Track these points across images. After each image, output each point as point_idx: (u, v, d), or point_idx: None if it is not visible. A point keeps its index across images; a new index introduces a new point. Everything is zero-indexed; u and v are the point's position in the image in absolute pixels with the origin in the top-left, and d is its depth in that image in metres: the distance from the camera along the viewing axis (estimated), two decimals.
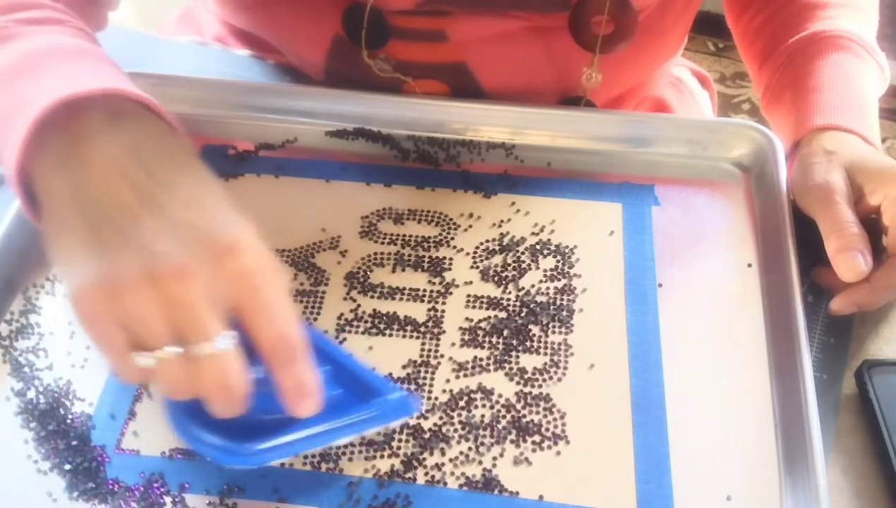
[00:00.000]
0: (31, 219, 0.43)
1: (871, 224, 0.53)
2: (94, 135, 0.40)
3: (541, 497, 0.46)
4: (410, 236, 0.57)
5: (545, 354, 0.51)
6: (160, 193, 0.39)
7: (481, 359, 0.51)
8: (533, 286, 0.55)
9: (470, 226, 0.58)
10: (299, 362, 0.40)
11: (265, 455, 0.42)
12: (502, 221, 0.58)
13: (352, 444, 0.47)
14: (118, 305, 0.37)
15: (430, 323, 0.53)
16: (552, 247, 0.57)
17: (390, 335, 0.52)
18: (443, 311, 0.53)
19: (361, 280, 0.55)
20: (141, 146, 0.40)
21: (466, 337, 0.52)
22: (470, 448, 0.47)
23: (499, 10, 0.61)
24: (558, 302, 0.54)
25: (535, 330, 0.52)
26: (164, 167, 0.40)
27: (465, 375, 0.50)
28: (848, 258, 0.51)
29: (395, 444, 0.47)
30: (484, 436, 0.48)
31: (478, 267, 0.56)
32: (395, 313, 0.53)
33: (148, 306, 0.37)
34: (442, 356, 0.51)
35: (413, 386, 0.50)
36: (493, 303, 0.54)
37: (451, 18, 0.61)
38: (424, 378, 0.50)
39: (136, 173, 0.39)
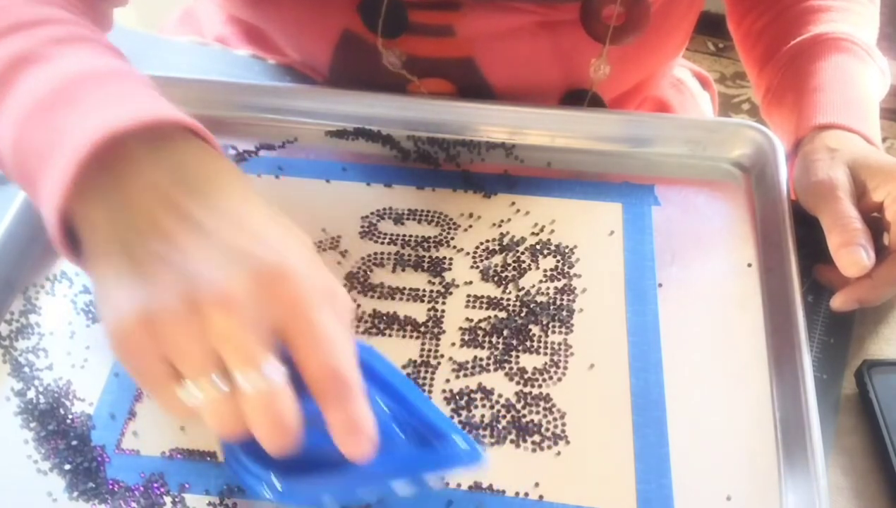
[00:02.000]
0: (73, 261, 0.40)
1: (873, 223, 0.53)
2: (135, 166, 0.38)
3: (541, 497, 0.46)
4: (410, 236, 0.57)
5: (545, 354, 0.51)
6: (202, 216, 0.37)
7: (481, 359, 0.51)
8: (533, 286, 0.55)
9: (470, 226, 0.58)
10: (351, 399, 0.36)
11: (306, 494, 0.39)
12: (502, 221, 0.58)
13: None
14: (159, 337, 0.35)
15: (430, 323, 0.53)
16: (552, 247, 0.57)
17: (390, 335, 0.52)
18: (443, 311, 0.53)
19: (361, 280, 0.55)
20: (182, 170, 0.38)
21: (466, 337, 0.52)
22: None
23: (509, 1, 0.61)
24: (558, 302, 0.54)
25: (535, 330, 0.52)
26: (206, 189, 0.38)
27: (465, 375, 0.50)
28: (850, 252, 0.51)
29: None
30: (484, 436, 0.48)
31: (478, 267, 0.56)
32: (395, 313, 0.53)
33: (189, 337, 0.35)
34: (442, 356, 0.51)
35: None
36: (493, 303, 0.54)
37: (461, 13, 0.61)
38: (424, 378, 0.50)
39: (176, 197, 0.37)
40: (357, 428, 0.36)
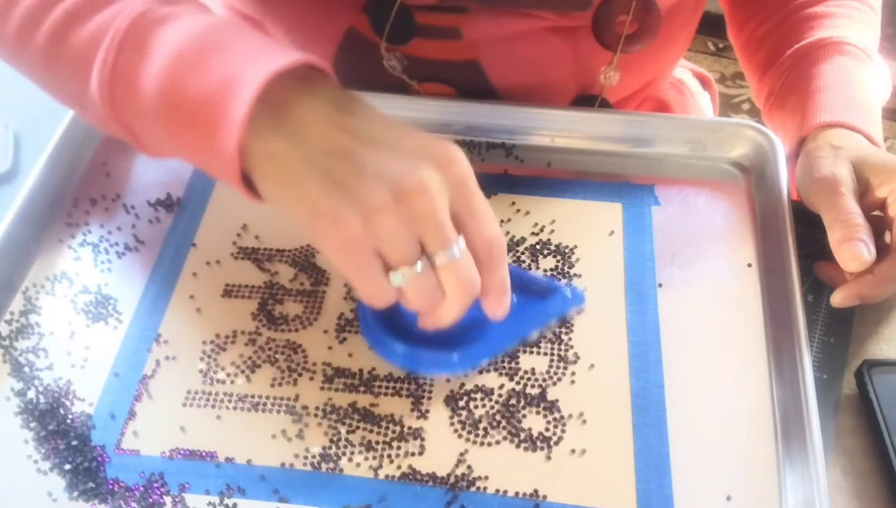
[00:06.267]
0: (250, 197, 0.44)
1: (876, 221, 0.53)
2: (298, 100, 0.43)
3: (541, 497, 0.46)
4: None
5: (545, 354, 0.51)
6: (371, 130, 0.43)
7: None
8: None
9: None
10: (504, 264, 0.44)
11: (475, 359, 0.50)
12: (502, 221, 0.58)
13: (352, 444, 0.47)
14: (373, 232, 0.40)
15: None
16: (552, 247, 0.57)
17: None
18: None
19: None
20: (335, 100, 0.44)
21: None
22: (468, 449, 0.48)
23: (520, 8, 0.61)
24: None
25: (535, 330, 0.52)
26: (361, 111, 0.44)
27: (465, 375, 0.50)
28: (851, 247, 0.51)
29: (395, 445, 0.47)
30: (484, 436, 0.48)
31: None
32: None
33: (400, 225, 0.41)
34: None
35: (413, 386, 0.50)
36: None
37: (468, 16, 0.61)
38: (424, 378, 0.50)
39: (343, 121, 0.43)
40: (506, 288, 0.45)
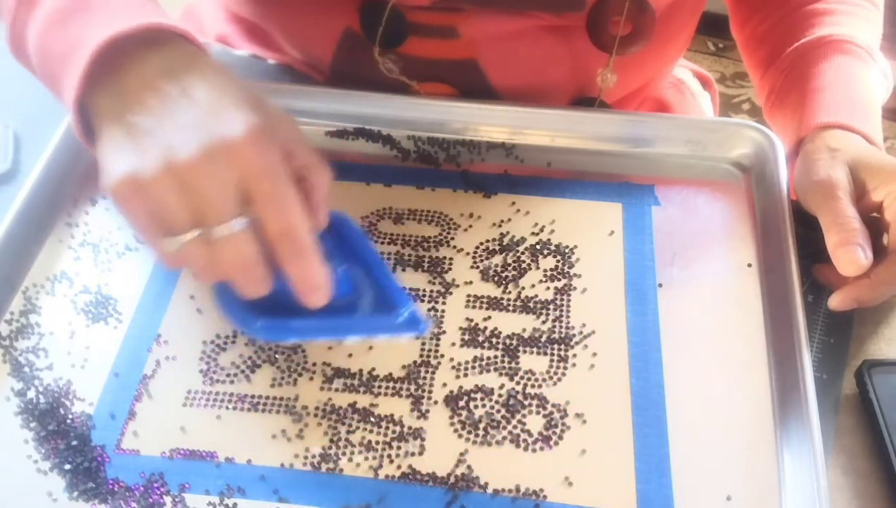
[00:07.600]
0: (88, 147, 0.47)
1: (873, 223, 0.53)
2: (133, 63, 0.45)
3: (541, 497, 0.46)
4: (410, 236, 0.57)
5: (545, 354, 0.51)
6: (181, 100, 0.43)
7: (481, 359, 0.51)
8: (533, 286, 0.55)
9: (470, 226, 0.58)
10: (306, 257, 0.43)
11: (271, 332, 0.48)
12: (502, 221, 0.58)
13: (352, 444, 0.47)
14: (145, 195, 0.41)
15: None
16: (552, 247, 0.57)
17: None
18: (443, 311, 0.53)
19: None
20: (171, 66, 0.45)
21: (466, 337, 0.52)
22: (468, 449, 0.48)
23: (513, 8, 0.61)
24: (558, 302, 0.54)
25: (535, 330, 0.52)
26: (188, 79, 0.44)
27: (465, 375, 0.50)
28: (848, 251, 0.51)
29: (395, 445, 0.47)
30: (484, 436, 0.48)
31: (478, 268, 0.56)
32: None
33: (169, 194, 0.41)
34: (442, 356, 0.51)
35: (413, 386, 0.50)
36: (493, 303, 0.54)
37: (464, 15, 0.61)
38: (424, 378, 0.50)
39: (163, 86, 0.44)
40: (313, 282, 0.44)
